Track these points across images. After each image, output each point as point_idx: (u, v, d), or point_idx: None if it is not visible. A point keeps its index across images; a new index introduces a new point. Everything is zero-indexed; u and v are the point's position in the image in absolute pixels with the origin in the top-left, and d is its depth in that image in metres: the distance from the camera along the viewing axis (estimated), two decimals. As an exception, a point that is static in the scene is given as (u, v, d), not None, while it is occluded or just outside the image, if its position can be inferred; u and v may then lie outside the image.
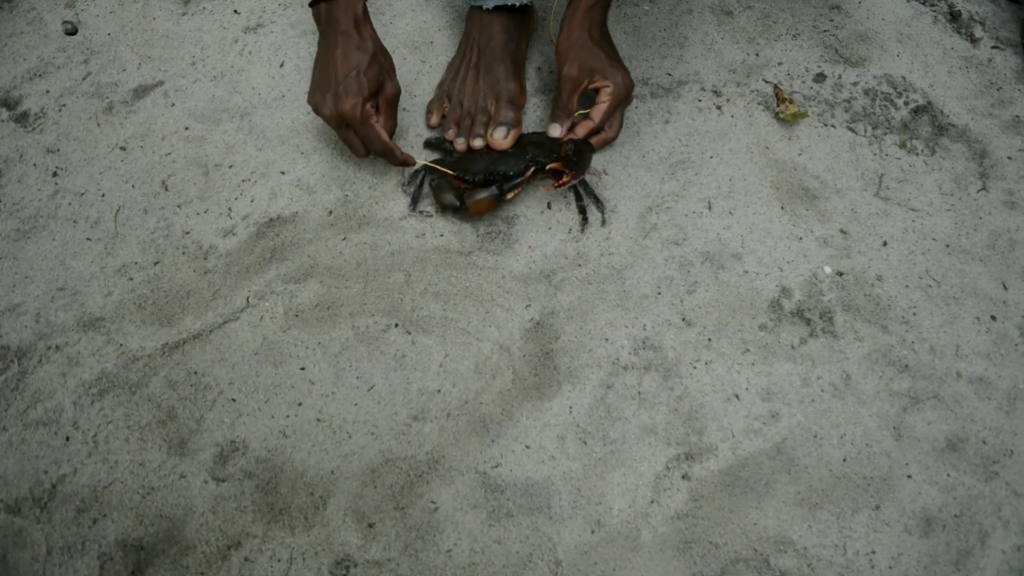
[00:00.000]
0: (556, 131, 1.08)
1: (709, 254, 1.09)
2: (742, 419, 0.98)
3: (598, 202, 1.10)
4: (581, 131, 1.08)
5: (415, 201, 1.10)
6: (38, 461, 0.92)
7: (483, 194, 1.06)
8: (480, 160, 1.08)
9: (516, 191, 1.07)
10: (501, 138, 1.08)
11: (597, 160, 1.15)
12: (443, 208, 1.08)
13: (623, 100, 1.08)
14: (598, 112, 1.07)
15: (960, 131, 1.23)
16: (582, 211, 1.10)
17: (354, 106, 0.98)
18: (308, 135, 1.17)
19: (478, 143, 1.10)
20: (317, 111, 1.01)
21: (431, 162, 1.10)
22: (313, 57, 1.24)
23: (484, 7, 1.16)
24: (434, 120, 1.17)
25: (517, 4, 1.14)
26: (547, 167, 1.07)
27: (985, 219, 1.14)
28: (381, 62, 1.02)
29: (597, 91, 1.07)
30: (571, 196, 1.12)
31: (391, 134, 1.06)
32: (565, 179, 1.05)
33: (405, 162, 1.06)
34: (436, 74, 1.24)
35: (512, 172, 1.06)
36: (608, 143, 1.13)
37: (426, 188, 1.12)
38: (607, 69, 1.05)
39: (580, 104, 1.09)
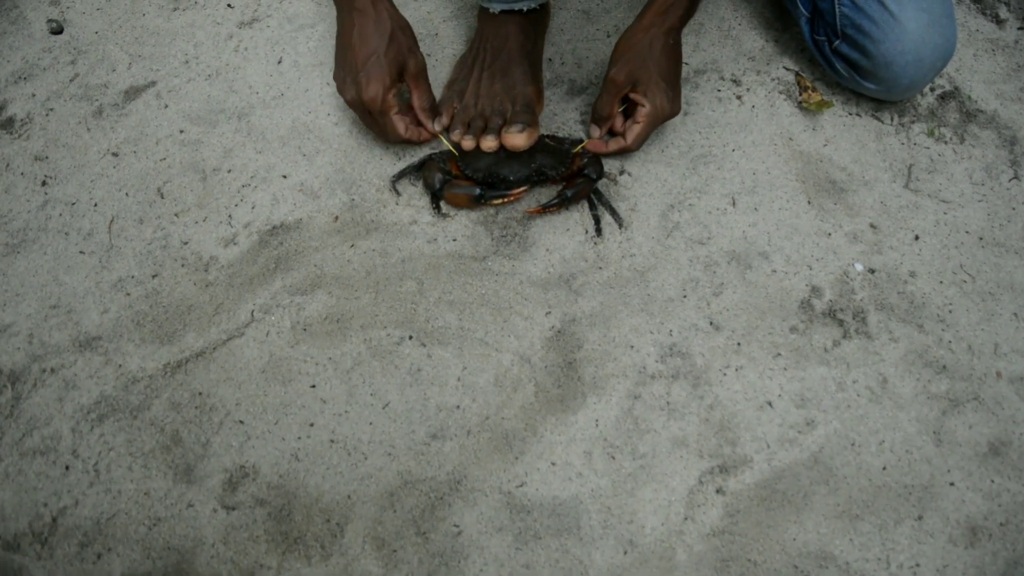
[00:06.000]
0: (596, 132, 1.06)
1: (735, 253, 1.04)
2: (776, 428, 0.93)
3: (613, 212, 1.05)
4: (613, 146, 1.05)
5: (436, 199, 1.05)
6: (36, 493, 0.87)
7: (463, 188, 1.02)
8: (486, 157, 1.03)
9: (502, 200, 1.03)
10: (517, 132, 1.01)
11: (615, 159, 1.10)
12: (425, 186, 1.05)
13: (659, 124, 1.04)
14: (631, 134, 1.03)
15: (989, 117, 1.18)
16: (596, 220, 1.04)
17: (374, 97, 0.96)
18: (310, 136, 1.11)
19: (489, 142, 1.02)
20: (340, 94, 1.00)
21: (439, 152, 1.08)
22: (312, 52, 1.18)
23: (491, 10, 1.10)
24: (444, 121, 1.08)
25: (525, 8, 1.09)
26: (553, 178, 1.04)
27: (1018, 209, 1.10)
28: (400, 40, 0.98)
29: (635, 106, 1.03)
30: (585, 203, 1.06)
31: (428, 106, 1.04)
32: (554, 206, 1.02)
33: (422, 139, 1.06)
34: (443, 67, 1.18)
35: (512, 177, 1.02)
36: (625, 152, 1.08)
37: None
38: (652, 86, 1.00)
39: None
